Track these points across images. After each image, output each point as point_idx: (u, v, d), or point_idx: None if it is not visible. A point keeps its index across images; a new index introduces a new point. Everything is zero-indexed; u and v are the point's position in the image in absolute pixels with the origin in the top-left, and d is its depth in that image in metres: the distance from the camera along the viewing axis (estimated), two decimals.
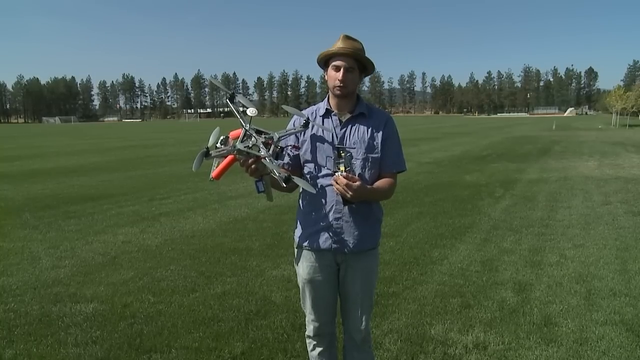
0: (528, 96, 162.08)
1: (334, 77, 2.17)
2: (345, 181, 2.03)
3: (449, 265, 4.94)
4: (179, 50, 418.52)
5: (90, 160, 17.28)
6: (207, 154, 2.00)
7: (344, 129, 2.23)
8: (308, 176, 2.25)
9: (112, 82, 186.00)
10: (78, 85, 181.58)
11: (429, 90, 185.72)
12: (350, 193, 2.04)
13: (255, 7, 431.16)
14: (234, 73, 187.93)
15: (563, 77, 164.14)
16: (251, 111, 2.05)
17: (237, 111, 2.13)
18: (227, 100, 2.15)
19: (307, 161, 2.26)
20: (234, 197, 8.97)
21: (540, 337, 3.37)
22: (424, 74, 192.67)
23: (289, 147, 2.27)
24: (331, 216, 2.21)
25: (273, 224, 6.76)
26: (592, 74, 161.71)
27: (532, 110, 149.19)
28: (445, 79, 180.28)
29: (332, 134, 2.23)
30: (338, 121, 2.25)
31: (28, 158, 18.29)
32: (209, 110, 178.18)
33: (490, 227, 6.51)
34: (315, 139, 2.24)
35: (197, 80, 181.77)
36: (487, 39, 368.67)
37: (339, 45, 2.15)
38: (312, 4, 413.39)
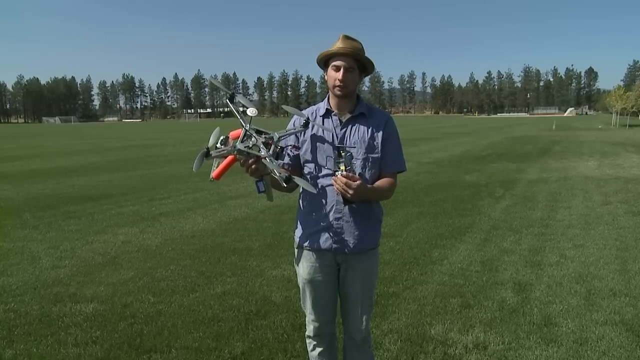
0: (528, 96, 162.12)
1: (334, 77, 2.17)
2: (345, 180, 2.03)
3: (449, 265, 4.94)
4: (179, 50, 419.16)
5: (90, 160, 17.28)
6: (207, 154, 2.00)
7: (344, 129, 2.23)
8: (308, 176, 2.25)
9: (112, 82, 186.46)
10: (78, 85, 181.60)
11: (429, 90, 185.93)
12: (350, 192, 2.04)
13: (255, 7, 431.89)
14: (234, 73, 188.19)
15: (563, 77, 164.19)
16: (251, 111, 2.05)
17: (237, 111, 2.13)
18: (227, 100, 2.15)
19: (307, 161, 2.26)
20: (234, 197, 8.97)
21: (540, 337, 3.37)
22: (424, 74, 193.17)
23: (289, 147, 2.27)
24: (331, 216, 2.21)
25: (273, 224, 6.76)
26: (592, 74, 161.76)
27: (532, 110, 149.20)
28: (445, 79, 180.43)
29: (333, 134, 2.23)
30: (338, 121, 2.25)
31: (28, 158, 18.29)
32: (209, 110, 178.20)
33: (490, 227, 6.51)
34: (315, 139, 2.24)
35: (197, 80, 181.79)
36: (487, 39, 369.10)
37: (338, 45, 2.15)
38: (312, 4, 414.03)
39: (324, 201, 2.21)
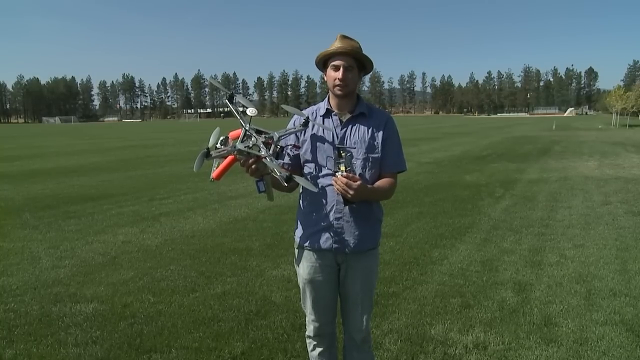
0: (528, 96, 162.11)
1: (334, 76, 2.17)
2: (345, 181, 2.03)
3: (449, 265, 4.94)
4: (179, 50, 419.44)
5: (90, 160, 17.28)
6: (207, 154, 2.00)
7: (345, 129, 2.23)
8: (308, 176, 2.25)
9: (112, 82, 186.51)
10: (78, 85, 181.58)
11: (429, 90, 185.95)
12: (350, 192, 2.04)
13: (255, 7, 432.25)
14: (234, 73, 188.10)
15: (563, 77, 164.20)
16: (251, 111, 2.05)
17: (237, 111, 2.13)
18: (226, 100, 2.15)
19: (307, 161, 2.26)
20: (234, 197, 8.97)
21: (540, 337, 3.37)
22: (424, 74, 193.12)
23: (289, 147, 2.27)
24: (332, 216, 2.21)
25: (273, 224, 6.76)
26: (592, 74, 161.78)
27: (532, 110, 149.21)
28: (445, 79, 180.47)
29: (333, 134, 2.22)
30: (338, 121, 2.25)
31: (28, 158, 18.29)
32: (209, 110, 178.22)
33: (490, 227, 6.51)
34: (315, 138, 2.24)
35: (197, 80, 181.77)
36: (487, 39, 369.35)
37: (336, 45, 2.15)
38: (312, 4, 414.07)
39: (324, 201, 2.21)
